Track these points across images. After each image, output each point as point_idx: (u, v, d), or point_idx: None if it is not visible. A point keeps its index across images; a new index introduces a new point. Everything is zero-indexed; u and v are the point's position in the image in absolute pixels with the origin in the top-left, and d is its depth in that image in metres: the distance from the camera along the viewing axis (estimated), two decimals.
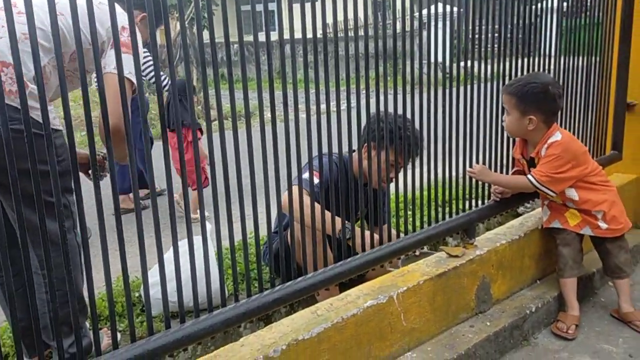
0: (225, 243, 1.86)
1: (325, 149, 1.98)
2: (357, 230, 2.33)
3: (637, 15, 3.31)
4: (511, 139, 2.77)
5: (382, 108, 2.18)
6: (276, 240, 2.68)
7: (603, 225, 2.59)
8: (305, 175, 2.25)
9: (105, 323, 2.53)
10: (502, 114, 2.65)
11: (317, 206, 2.02)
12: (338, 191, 2.05)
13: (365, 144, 2.54)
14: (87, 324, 2.18)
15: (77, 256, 2.00)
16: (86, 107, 1.39)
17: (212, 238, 2.10)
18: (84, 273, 1.49)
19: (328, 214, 2.00)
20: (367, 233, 2.23)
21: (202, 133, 3.75)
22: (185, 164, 1.64)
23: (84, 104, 1.39)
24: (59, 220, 1.44)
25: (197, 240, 1.75)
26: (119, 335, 2.53)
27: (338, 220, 2.12)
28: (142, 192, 4.56)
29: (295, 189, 1.89)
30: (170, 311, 2.06)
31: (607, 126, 3.38)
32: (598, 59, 3.23)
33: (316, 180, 2.27)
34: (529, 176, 2.51)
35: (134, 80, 1.79)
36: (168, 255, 1.70)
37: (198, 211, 1.78)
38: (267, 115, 1.82)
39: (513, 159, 2.77)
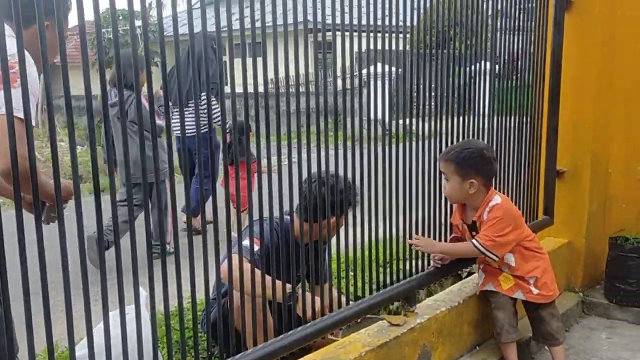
0: (160, 308, 1.76)
1: (266, 205, 1.95)
2: (307, 295, 2.27)
3: (565, 83, 3.48)
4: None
5: (323, 165, 2.17)
6: (214, 308, 2.58)
7: (535, 290, 2.63)
8: (245, 242, 2.19)
9: None
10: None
11: (259, 273, 1.97)
12: (279, 256, 2.00)
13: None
14: None
15: None
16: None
17: (147, 306, 1.99)
18: None
19: (275, 281, 1.96)
20: (317, 299, 2.18)
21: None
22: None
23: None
24: None
25: (130, 309, 1.67)
26: None
27: (287, 285, 2.08)
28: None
29: (235, 257, 1.84)
30: None
31: (539, 191, 3.50)
32: (529, 120, 3.36)
33: (256, 247, 2.22)
34: (474, 241, 2.54)
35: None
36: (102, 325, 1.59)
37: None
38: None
39: (451, 224, 2.81)
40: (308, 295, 2.21)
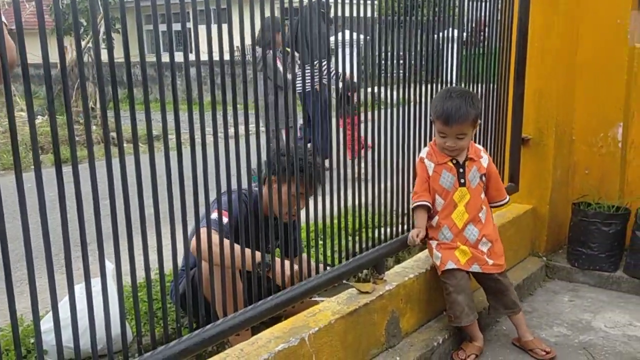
0: (128, 279, 1.73)
1: (233, 174, 1.92)
2: (277, 261, 2.26)
3: (531, 52, 3.52)
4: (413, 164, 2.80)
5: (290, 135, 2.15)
6: (183, 278, 2.57)
7: (489, 261, 2.66)
8: (214, 215, 2.17)
9: None
10: (409, 138, 2.69)
11: (228, 244, 1.95)
12: (248, 229, 1.99)
13: (272, 177, 2.50)
14: None
15: None
16: None
17: (113, 278, 1.97)
18: None
19: (245, 250, 1.95)
20: (287, 263, 2.18)
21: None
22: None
23: None
24: None
25: (96, 282, 1.64)
26: None
27: (257, 253, 2.07)
28: None
29: (203, 230, 1.82)
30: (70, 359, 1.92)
31: (505, 158, 3.55)
32: (495, 88, 3.38)
33: (225, 220, 2.20)
34: (507, 198, 2.89)
35: None
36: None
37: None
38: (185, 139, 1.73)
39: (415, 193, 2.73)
40: (279, 262, 2.20)
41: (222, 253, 1.90)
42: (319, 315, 2.21)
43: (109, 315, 1.59)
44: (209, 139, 1.79)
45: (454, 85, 3.06)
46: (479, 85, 3.26)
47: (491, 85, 3.33)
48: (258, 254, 2.19)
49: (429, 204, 2.65)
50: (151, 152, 1.62)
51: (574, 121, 3.79)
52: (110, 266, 2.18)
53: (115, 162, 1.56)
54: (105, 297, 1.58)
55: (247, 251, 2.01)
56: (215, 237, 1.92)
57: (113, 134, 1.71)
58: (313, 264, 2.27)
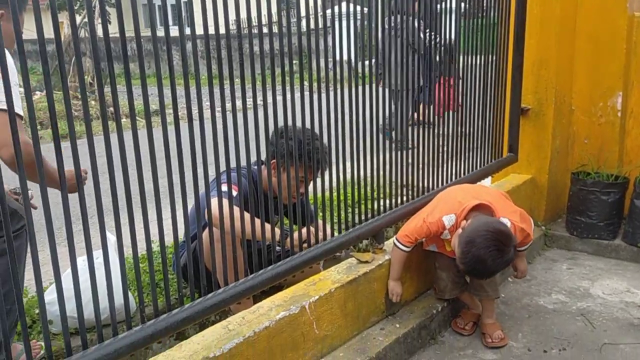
0: (130, 252, 1.76)
1: (232, 150, 1.93)
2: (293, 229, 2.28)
3: (530, 22, 3.50)
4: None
5: (289, 108, 2.14)
6: (184, 251, 2.60)
7: None
8: (224, 187, 2.19)
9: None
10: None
11: (247, 215, 1.98)
12: (254, 204, 2.02)
13: (273, 160, 2.52)
14: None
15: None
16: None
17: (115, 250, 1.99)
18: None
19: (258, 221, 1.97)
20: (304, 230, 2.23)
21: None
22: None
23: None
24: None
25: (98, 254, 1.67)
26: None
27: (267, 225, 2.13)
28: None
29: (215, 200, 1.85)
30: (75, 328, 1.96)
31: (504, 129, 3.56)
32: (494, 59, 3.37)
33: (235, 193, 2.23)
34: (530, 244, 2.64)
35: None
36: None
37: None
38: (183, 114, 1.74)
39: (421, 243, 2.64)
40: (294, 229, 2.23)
41: (231, 219, 1.91)
42: (319, 284, 2.24)
43: (112, 286, 1.62)
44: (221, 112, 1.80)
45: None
46: (478, 56, 3.25)
47: (490, 56, 3.32)
48: (268, 225, 2.23)
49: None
50: (149, 126, 1.62)
51: (573, 91, 3.78)
52: (112, 238, 2.21)
53: (113, 136, 1.57)
54: (107, 269, 1.61)
55: (258, 221, 2.03)
56: (228, 206, 1.94)
57: (111, 109, 1.72)
58: (317, 231, 2.31)
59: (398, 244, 2.49)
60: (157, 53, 1.65)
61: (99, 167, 1.54)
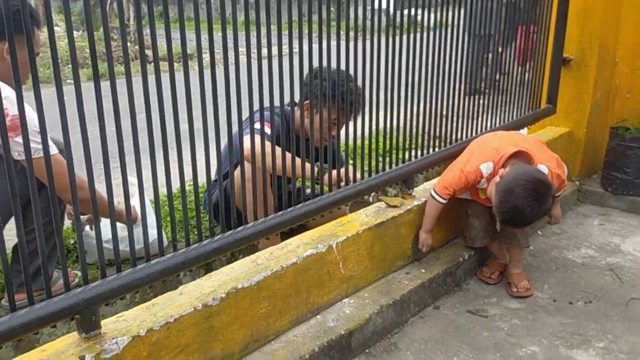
0: (164, 190, 1.80)
1: (266, 96, 1.93)
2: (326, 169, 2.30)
3: None
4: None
5: (324, 56, 2.12)
6: (216, 189, 2.64)
7: None
8: (257, 125, 2.20)
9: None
10: (444, 62, 2.64)
11: (279, 150, 1.99)
12: (286, 144, 2.03)
13: (307, 101, 2.51)
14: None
15: None
16: None
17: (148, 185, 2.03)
18: None
19: (298, 160, 2.01)
20: (334, 171, 2.25)
21: None
22: None
23: None
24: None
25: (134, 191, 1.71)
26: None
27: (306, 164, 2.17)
28: None
29: (248, 138, 1.86)
30: (109, 259, 2.03)
31: (544, 79, 3.46)
32: (538, 10, 3.26)
33: (268, 131, 2.24)
34: (564, 190, 2.61)
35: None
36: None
37: None
38: (208, 59, 1.74)
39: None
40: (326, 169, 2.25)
41: (263, 155, 1.94)
42: (347, 226, 2.27)
43: (146, 224, 1.66)
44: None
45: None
46: (522, 2, 3.13)
47: (534, 2, 3.20)
48: (299, 160, 2.25)
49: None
50: (186, 69, 1.62)
51: (618, 42, 3.64)
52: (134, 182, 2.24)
53: (151, 78, 1.58)
54: (142, 203, 1.64)
55: (290, 157, 2.06)
56: (262, 145, 1.96)
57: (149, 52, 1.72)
58: (347, 172, 2.31)
59: (436, 195, 2.48)
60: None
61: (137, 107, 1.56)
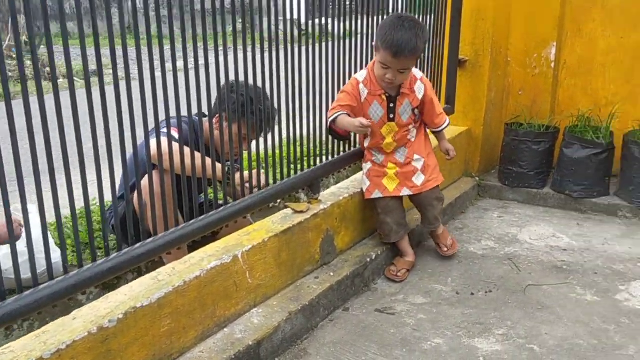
0: (66, 212, 1.70)
1: (172, 111, 1.88)
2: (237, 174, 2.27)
3: None
4: None
5: (238, 68, 2.09)
6: (121, 205, 2.54)
7: (420, 179, 2.73)
8: (164, 130, 2.13)
9: None
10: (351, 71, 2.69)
11: (185, 150, 1.94)
12: (198, 146, 2.01)
13: (217, 115, 2.48)
14: None
15: None
16: None
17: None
18: None
19: (207, 159, 2.02)
20: (250, 173, 2.29)
21: None
22: None
23: None
24: None
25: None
26: None
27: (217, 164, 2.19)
28: None
29: (155, 141, 1.81)
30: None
31: (442, 81, 3.59)
32: (433, 8, 3.37)
33: (176, 135, 2.19)
34: (447, 122, 2.83)
35: None
36: None
37: None
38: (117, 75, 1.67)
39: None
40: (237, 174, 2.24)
41: (171, 156, 1.92)
42: (252, 234, 2.25)
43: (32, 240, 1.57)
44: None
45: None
46: (420, 9, 3.24)
47: (430, 14, 3.32)
48: (218, 165, 2.28)
49: (348, 114, 2.56)
50: (88, 86, 1.55)
51: (509, 42, 3.84)
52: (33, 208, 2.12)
53: (50, 97, 1.49)
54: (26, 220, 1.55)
55: (205, 160, 2.06)
56: (169, 146, 1.91)
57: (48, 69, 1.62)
58: (251, 178, 2.32)
59: (330, 118, 2.58)
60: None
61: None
